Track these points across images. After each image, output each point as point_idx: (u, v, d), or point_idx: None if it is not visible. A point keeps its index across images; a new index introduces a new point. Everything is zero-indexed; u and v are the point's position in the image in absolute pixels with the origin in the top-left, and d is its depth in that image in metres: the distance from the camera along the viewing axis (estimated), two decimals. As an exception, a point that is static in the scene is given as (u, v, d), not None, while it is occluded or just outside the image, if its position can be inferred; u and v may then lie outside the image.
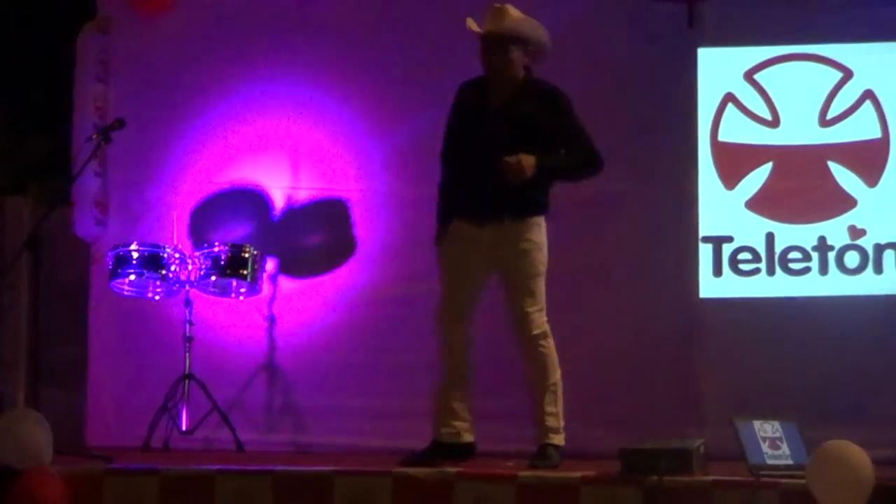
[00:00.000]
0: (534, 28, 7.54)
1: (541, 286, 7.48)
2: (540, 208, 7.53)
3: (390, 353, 9.04)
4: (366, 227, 9.38)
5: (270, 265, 9.37)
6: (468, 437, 7.44)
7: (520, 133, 7.37)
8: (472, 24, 7.51)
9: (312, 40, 9.48)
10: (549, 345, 7.44)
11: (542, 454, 7.27)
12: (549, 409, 7.40)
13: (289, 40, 9.50)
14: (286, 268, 9.44)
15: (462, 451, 7.36)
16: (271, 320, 9.40)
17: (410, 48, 9.01)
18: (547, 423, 7.38)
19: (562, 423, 7.42)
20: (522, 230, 7.46)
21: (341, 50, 9.42)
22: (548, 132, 7.42)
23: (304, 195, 9.52)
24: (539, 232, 7.50)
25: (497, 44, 7.45)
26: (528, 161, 7.24)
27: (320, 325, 9.38)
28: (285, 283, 9.45)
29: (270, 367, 9.39)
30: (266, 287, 9.32)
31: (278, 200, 9.55)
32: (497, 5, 7.56)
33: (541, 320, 7.44)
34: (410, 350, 8.73)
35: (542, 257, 7.49)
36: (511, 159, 7.23)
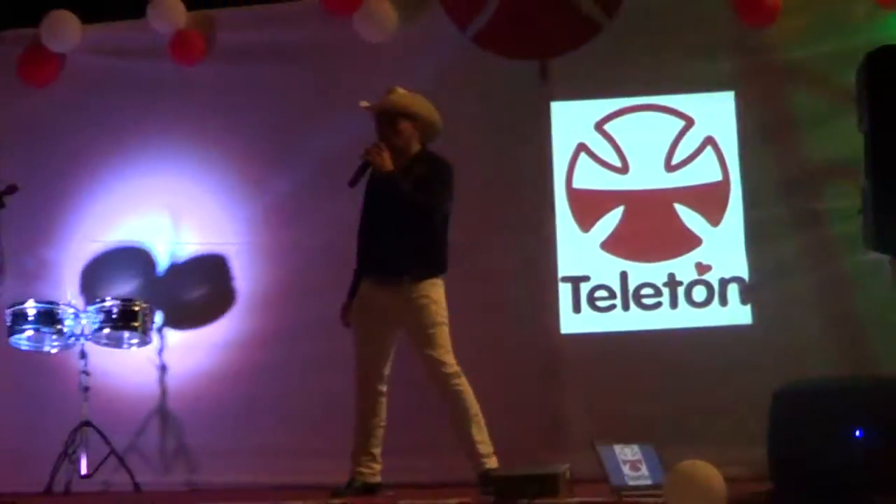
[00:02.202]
0: (420, 104, 7.78)
1: (443, 333, 7.62)
2: (437, 269, 7.77)
3: (274, 395, 9.10)
4: (245, 278, 9.49)
5: (159, 317, 9.42)
6: (378, 477, 7.62)
7: (409, 196, 7.51)
8: (364, 103, 7.72)
9: (188, 105, 9.58)
10: (463, 382, 7.57)
11: (483, 480, 7.34)
12: (477, 437, 7.54)
13: (167, 105, 9.59)
14: (172, 320, 9.52)
15: (375, 488, 7.56)
16: (162, 368, 9.46)
17: (277, 113, 9.10)
18: (479, 450, 7.51)
19: (491, 450, 7.56)
20: (420, 289, 7.64)
21: (216, 113, 9.53)
22: None
23: (185, 250, 9.63)
24: (436, 290, 7.70)
25: (386, 118, 7.67)
26: (387, 158, 7.51)
27: (207, 371, 9.44)
28: (172, 334, 9.52)
29: (163, 412, 9.44)
30: (155, 338, 9.38)
31: (162, 256, 9.64)
32: (389, 86, 7.76)
33: (450, 361, 7.58)
34: (293, 392, 8.92)
35: (440, 310, 7.66)
36: (373, 148, 7.50)
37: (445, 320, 7.67)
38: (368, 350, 7.72)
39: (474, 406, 7.60)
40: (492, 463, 7.54)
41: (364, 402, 7.69)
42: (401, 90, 7.80)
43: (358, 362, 7.74)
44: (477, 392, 8.48)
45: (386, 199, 7.66)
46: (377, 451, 7.65)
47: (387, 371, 7.72)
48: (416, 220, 7.61)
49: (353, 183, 7.65)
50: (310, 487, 7.77)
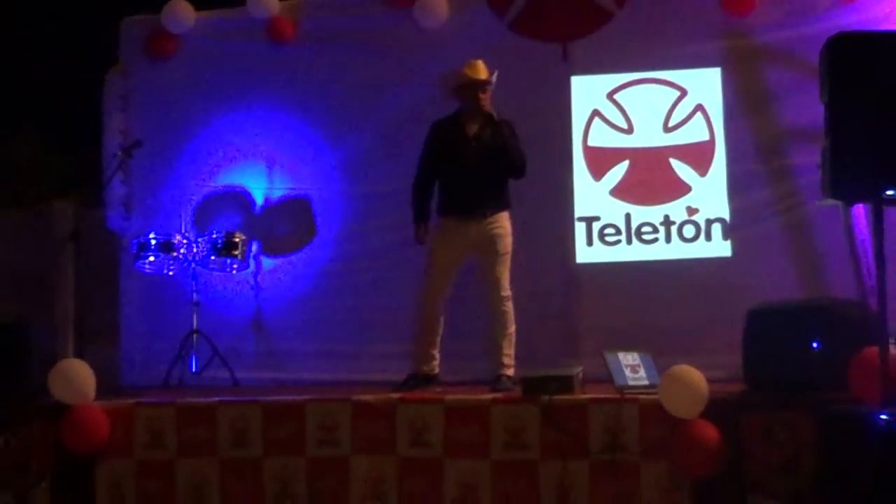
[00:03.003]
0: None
1: (508, 261, 7.76)
2: (508, 204, 7.92)
3: (346, 309, 9.14)
4: (324, 216, 9.47)
5: (255, 247, 9.47)
6: (436, 370, 7.79)
7: (513, 153, 7.74)
8: (477, 70, 7.84)
9: (279, 76, 9.58)
10: (510, 306, 7.72)
11: (498, 381, 7.52)
12: (506, 350, 7.69)
13: (261, 76, 9.61)
14: (265, 250, 9.57)
15: (432, 380, 7.67)
16: (257, 288, 9.54)
17: (350, 84, 9.06)
18: (504, 360, 7.66)
19: (513, 362, 7.70)
20: (497, 221, 7.82)
21: (301, 83, 9.51)
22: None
23: (277, 194, 9.64)
24: (508, 222, 7.87)
25: (480, 86, 7.78)
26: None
27: (292, 291, 9.50)
28: (266, 261, 9.58)
29: (257, 323, 9.50)
30: (252, 264, 9.46)
31: (258, 199, 9.67)
32: (472, 60, 7.84)
33: (507, 286, 7.73)
34: (361, 307, 8.97)
35: (510, 240, 7.84)
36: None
37: (510, 251, 7.78)
38: (442, 271, 7.82)
39: (512, 326, 7.71)
40: (510, 372, 7.65)
41: (430, 310, 7.80)
42: (480, 63, 7.87)
43: (430, 279, 7.84)
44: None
45: (479, 152, 7.77)
46: (436, 351, 7.79)
47: (450, 290, 7.83)
48: (501, 168, 7.76)
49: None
50: (375, 383, 7.73)
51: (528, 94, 9.08)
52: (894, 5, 8.54)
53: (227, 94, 9.72)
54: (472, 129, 7.80)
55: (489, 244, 7.76)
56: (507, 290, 7.75)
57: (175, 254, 9.16)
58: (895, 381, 5.96)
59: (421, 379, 7.67)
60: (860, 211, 7.61)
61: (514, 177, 7.89)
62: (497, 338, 7.74)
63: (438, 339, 7.84)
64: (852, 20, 8.31)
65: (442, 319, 7.84)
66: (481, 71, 7.84)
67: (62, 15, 21.21)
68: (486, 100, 7.81)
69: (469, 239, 7.79)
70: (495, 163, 7.73)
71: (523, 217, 8.83)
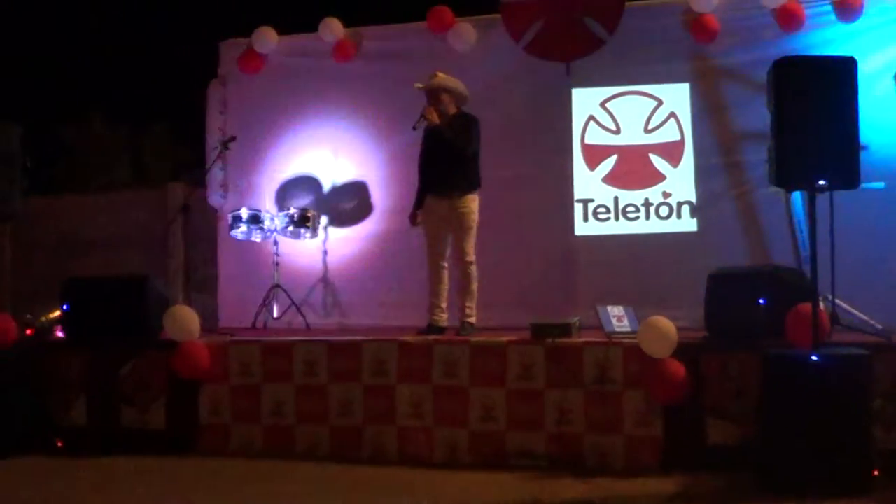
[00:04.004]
0: (453, 82, 7.73)
1: (473, 234, 7.59)
2: (473, 187, 7.65)
3: (395, 270, 9.14)
4: (377, 196, 9.47)
5: (324, 220, 9.43)
6: (445, 323, 7.62)
7: (451, 140, 7.51)
8: (418, 85, 7.74)
9: (343, 87, 9.54)
10: (473, 269, 7.59)
11: (462, 327, 7.52)
12: (468, 304, 7.60)
13: (329, 87, 9.59)
14: (332, 222, 9.54)
15: (442, 329, 7.53)
16: (325, 252, 9.51)
17: (397, 94, 8.81)
18: (467, 312, 7.58)
19: (474, 312, 7.60)
20: (463, 202, 7.59)
21: (360, 92, 9.47)
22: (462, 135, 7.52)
23: (341, 177, 9.60)
24: (473, 203, 7.63)
25: (432, 92, 7.67)
26: (435, 117, 7.52)
27: (352, 254, 9.50)
28: (332, 231, 9.54)
29: (325, 279, 9.50)
30: (321, 233, 9.42)
31: (326, 182, 9.63)
32: (432, 72, 7.78)
33: (471, 252, 7.57)
34: (407, 269, 8.87)
35: (474, 217, 7.60)
36: (426, 109, 7.55)
37: (475, 225, 7.61)
38: (434, 241, 7.71)
39: (474, 284, 7.61)
40: (471, 320, 7.59)
41: (434, 274, 7.69)
42: (441, 74, 7.77)
43: (428, 249, 7.74)
44: (520, 271, 8.78)
45: (437, 142, 7.61)
46: (444, 304, 7.66)
47: (448, 253, 7.67)
48: (456, 154, 7.56)
49: (414, 128, 7.70)
50: (414, 328, 7.71)
51: (538, 101, 9.08)
52: (825, 36, 8.53)
53: (302, 100, 9.68)
54: (442, 125, 7.62)
55: (457, 220, 7.57)
56: (471, 257, 7.59)
57: (261, 225, 9.18)
58: (823, 330, 6.08)
59: (434, 329, 7.54)
60: (797, 197, 7.55)
61: (462, 157, 7.59)
62: (462, 294, 7.62)
63: (445, 294, 7.68)
64: (792, 47, 8.23)
65: (446, 278, 7.69)
66: (427, 81, 7.79)
67: (181, 38, 21.88)
68: (436, 102, 7.66)
69: (442, 213, 7.62)
70: (450, 150, 7.57)
71: (534, 199, 8.99)
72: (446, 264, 7.69)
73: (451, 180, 7.61)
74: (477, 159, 7.70)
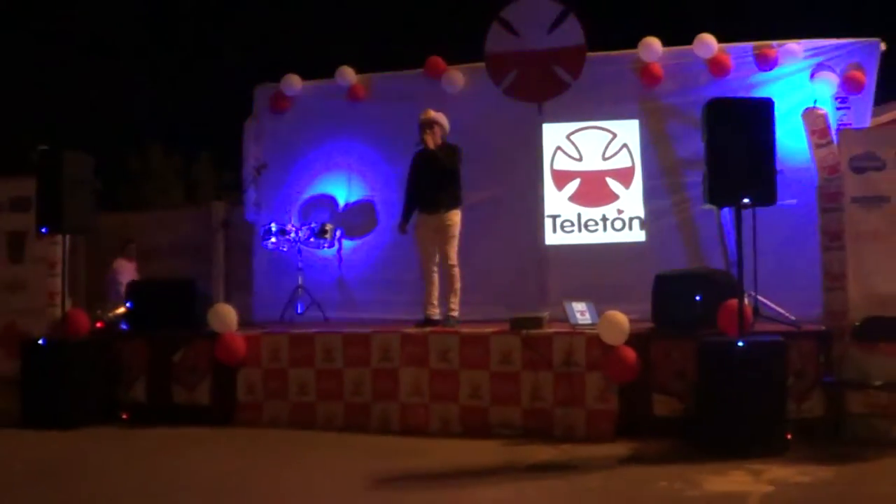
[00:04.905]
0: (441, 117, 7.67)
1: (455, 243, 7.54)
2: (456, 204, 7.61)
3: (396, 273, 8.94)
4: (382, 213, 9.30)
5: (338, 233, 9.29)
6: (438, 316, 7.51)
7: (441, 166, 7.49)
8: (423, 116, 7.67)
9: (355, 123, 9.40)
10: (456, 271, 7.52)
11: (447, 320, 7.43)
12: (452, 300, 7.53)
13: (344, 123, 9.45)
14: (345, 234, 9.38)
15: (435, 322, 7.43)
16: (340, 259, 9.39)
17: (400, 127, 8.55)
18: (451, 307, 7.51)
19: (457, 308, 7.51)
20: (449, 216, 7.55)
21: (370, 126, 9.32)
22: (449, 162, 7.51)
23: (353, 198, 9.48)
24: (456, 217, 7.59)
25: (428, 125, 7.61)
26: (429, 141, 7.49)
27: (362, 261, 9.37)
28: (346, 242, 9.40)
29: (340, 281, 9.40)
30: (337, 244, 9.30)
31: (341, 201, 9.50)
32: (425, 109, 7.73)
33: (454, 257, 7.51)
34: (404, 272, 8.68)
35: (457, 229, 7.56)
36: (426, 136, 7.50)
37: (457, 235, 7.55)
38: (424, 249, 7.65)
39: (457, 284, 7.55)
40: (455, 314, 7.50)
41: (426, 276, 7.63)
42: (431, 111, 7.73)
43: (420, 257, 7.68)
44: (500, 274, 8.66)
45: (429, 165, 7.58)
46: (436, 301, 7.57)
47: (436, 259, 7.59)
48: (445, 175, 7.52)
49: (415, 144, 7.68)
50: (410, 321, 7.61)
51: (515, 134, 9.00)
52: (748, 81, 8.49)
53: (321, 134, 9.59)
54: (431, 152, 7.61)
55: (443, 232, 7.50)
56: (453, 261, 7.51)
57: (287, 237, 9.10)
58: (747, 321, 6.12)
59: (429, 322, 7.45)
60: (726, 212, 7.56)
61: (449, 178, 7.59)
62: (447, 292, 7.54)
63: (436, 293, 7.57)
64: (722, 90, 8.20)
65: (436, 280, 7.58)
66: (422, 116, 7.73)
67: (224, 84, 22.00)
68: (429, 135, 7.58)
69: (431, 227, 7.55)
70: (441, 173, 7.54)
71: (511, 215, 8.92)
72: (436, 268, 7.64)
73: (439, 199, 7.57)
74: (459, 180, 7.66)
